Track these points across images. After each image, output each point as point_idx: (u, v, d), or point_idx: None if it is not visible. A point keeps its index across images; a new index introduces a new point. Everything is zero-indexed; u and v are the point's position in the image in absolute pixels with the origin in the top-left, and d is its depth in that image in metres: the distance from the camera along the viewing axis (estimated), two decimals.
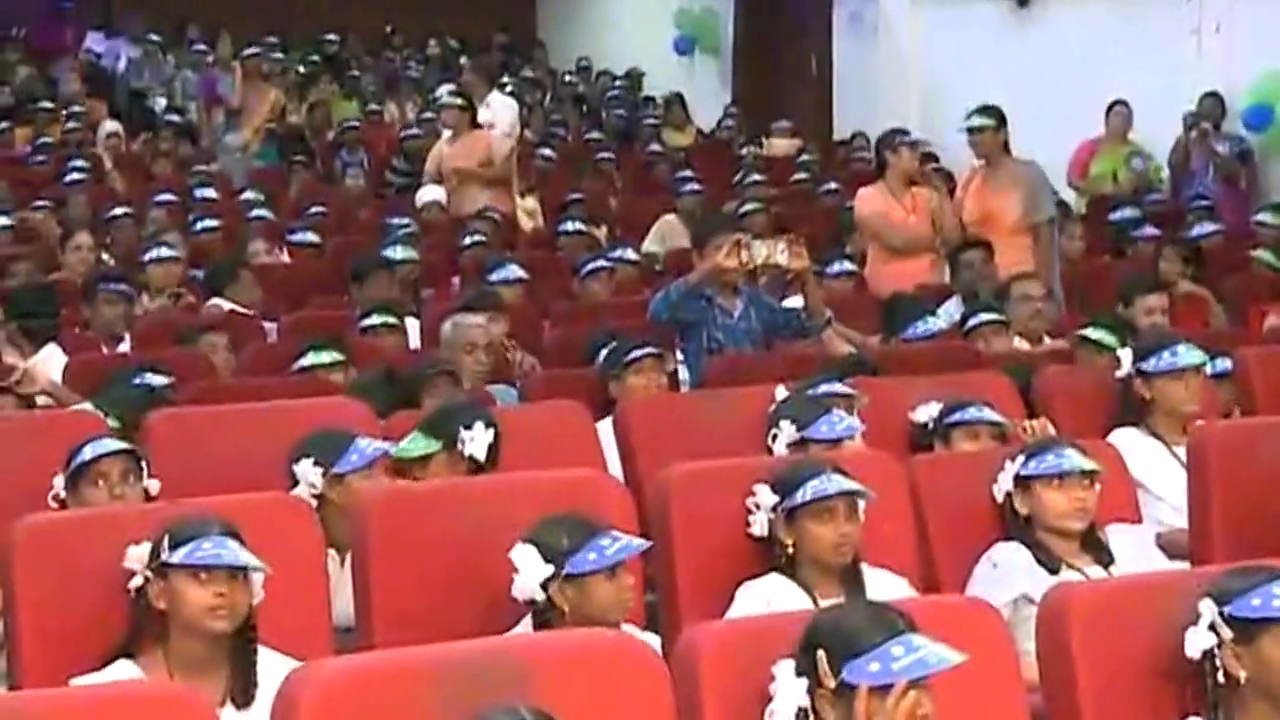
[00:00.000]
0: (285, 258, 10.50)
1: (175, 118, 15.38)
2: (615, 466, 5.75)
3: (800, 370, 6.25)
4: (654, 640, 4.00)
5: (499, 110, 11.89)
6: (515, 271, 8.76)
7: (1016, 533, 4.76)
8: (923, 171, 9.51)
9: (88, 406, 5.75)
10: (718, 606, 4.36)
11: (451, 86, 14.94)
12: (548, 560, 3.97)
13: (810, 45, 16.80)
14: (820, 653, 3.24)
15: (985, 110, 9.06)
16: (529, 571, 3.98)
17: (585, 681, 3.13)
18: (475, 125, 11.57)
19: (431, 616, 4.11)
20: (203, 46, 17.20)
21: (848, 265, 9.23)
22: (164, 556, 3.85)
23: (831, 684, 3.21)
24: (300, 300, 9.15)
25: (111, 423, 5.43)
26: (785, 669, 3.26)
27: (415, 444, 5.15)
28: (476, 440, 5.12)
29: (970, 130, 9.03)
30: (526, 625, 4.00)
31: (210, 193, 12.11)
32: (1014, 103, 9.41)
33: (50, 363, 7.11)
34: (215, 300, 8.66)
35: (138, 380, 6.30)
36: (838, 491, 4.38)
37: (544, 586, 3.97)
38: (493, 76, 13.52)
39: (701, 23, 18.18)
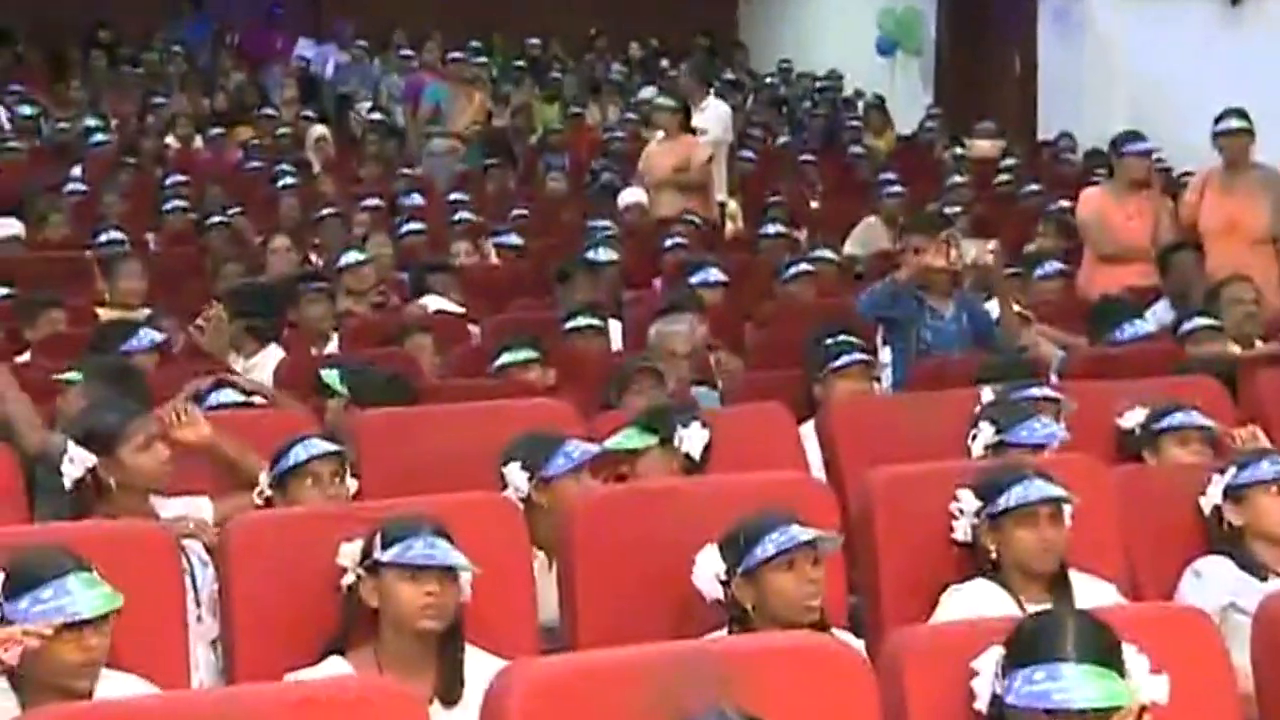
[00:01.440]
0: (494, 258, 10.61)
1: (375, 116, 15.62)
2: (818, 469, 5.74)
3: (1009, 373, 6.18)
4: (857, 643, 3.98)
5: (712, 116, 11.96)
6: (716, 274, 8.77)
7: (1223, 545, 4.68)
8: (1151, 177, 9.33)
9: (333, 375, 5.88)
10: (921, 610, 4.33)
11: (654, 90, 15.03)
12: (725, 557, 3.99)
13: (1015, 44, 16.62)
14: (1004, 654, 3.23)
15: (1238, 113, 8.80)
16: (707, 569, 3.99)
17: (790, 683, 3.13)
18: (686, 129, 11.64)
19: (636, 618, 4.13)
20: (408, 51, 17.44)
21: (1057, 266, 9.11)
22: (376, 555, 3.90)
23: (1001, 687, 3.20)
24: (504, 302, 9.24)
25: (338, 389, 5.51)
26: (986, 661, 3.24)
27: (631, 438, 5.17)
28: (693, 438, 5.14)
29: (1224, 133, 8.78)
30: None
31: (416, 198, 12.27)
32: (1226, 104, 9.22)
33: (269, 363, 7.23)
34: (423, 300, 8.77)
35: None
36: (1041, 498, 4.34)
37: (725, 585, 3.98)
38: (707, 80, 13.58)
39: (904, 23, 18.06)
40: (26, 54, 18.19)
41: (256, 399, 5.90)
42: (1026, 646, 3.19)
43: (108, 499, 4.60)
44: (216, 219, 10.61)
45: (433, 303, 8.75)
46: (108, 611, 3.54)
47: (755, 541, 3.96)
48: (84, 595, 3.53)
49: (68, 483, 4.59)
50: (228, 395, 5.78)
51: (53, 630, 3.53)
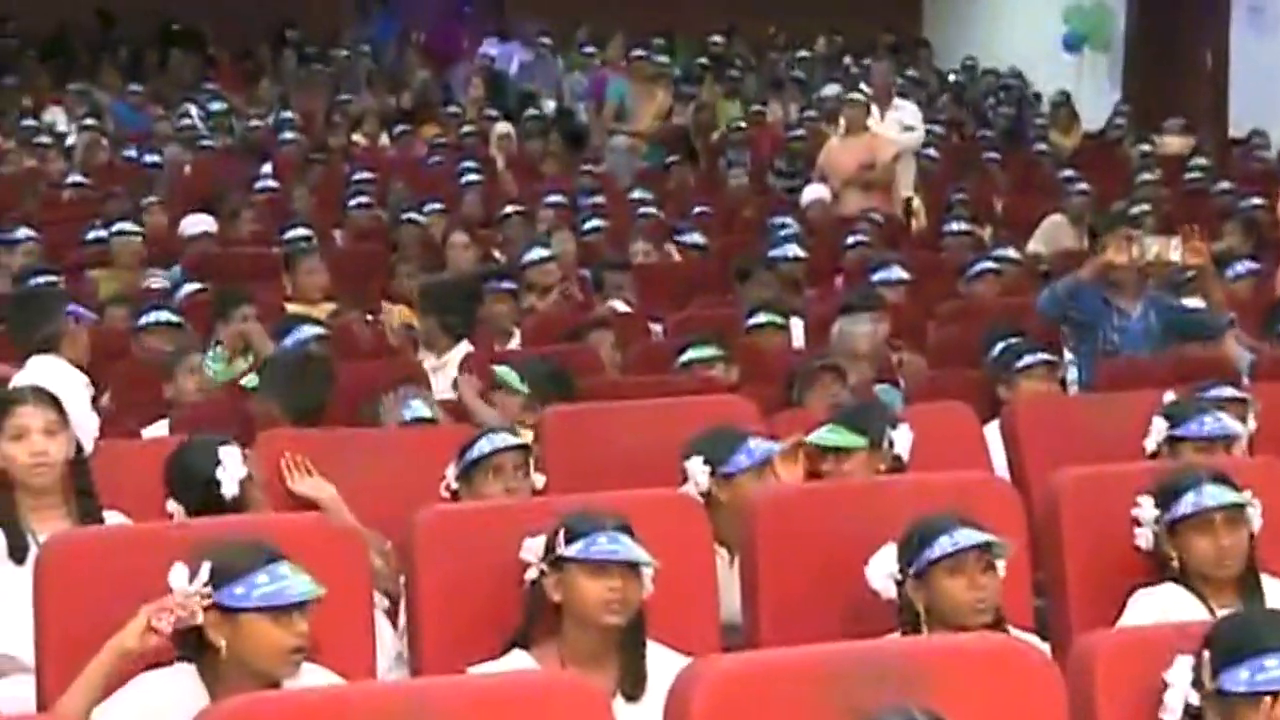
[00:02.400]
0: (676, 256, 10.63)
1: (544, 109, 15.73)
2: (1001, 469, 5.68)
3: (1196, 374, 6.08)
4: (1042, 645, 3.94)
5: (911, 115, 11.92)
6: (898, 272, 8.73)
7: None
8: None
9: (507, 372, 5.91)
10: (1108, 612, 4.28)
11: (837, 87, 14.97)
12: (900, 557, 3.96)
13: (1206, 39, 16.34)
14: (1206, 655, 3.22)
15: None
16: (881, 569, 3.97)
17: (976, 684, 3.11)
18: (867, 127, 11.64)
19: (818, 616, 4.11)
20: (591, 49, 17.53)
21: (1249, 265, 8.94)
22: (559, 550, 3.92)
23: (1210, 688, 3.18)
24: (685, 299, 9.25)
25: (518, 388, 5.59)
26: (1180, 666, 3.21)
27: (840, 436, 5.14)
28: (902, 439, 5.12)
29: None
30: None
31: (595, 194, 12.33)
32: None
33: (459, 359, 7.29)
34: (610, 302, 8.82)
35: None
36: (1215, 504, 4.27)
37: (899, 585, 3.95)
38: (896, 79, 13.58)
39: (1092, 18, 17.83)
40: (218, 54, 18.54)
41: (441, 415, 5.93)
42: (1237, 638, 3.19)
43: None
44: (407, 215, 10.74)
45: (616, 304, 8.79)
46: (316, 597, 3.60)
47: (927, 543, 3.94)
48: (295, 580, 3.59)
49: None
50: (419, 409, 5.81)
51: (207, 601, 3.59)
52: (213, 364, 6.88)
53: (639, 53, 15.66)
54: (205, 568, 3.62)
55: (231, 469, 4.55)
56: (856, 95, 12.27)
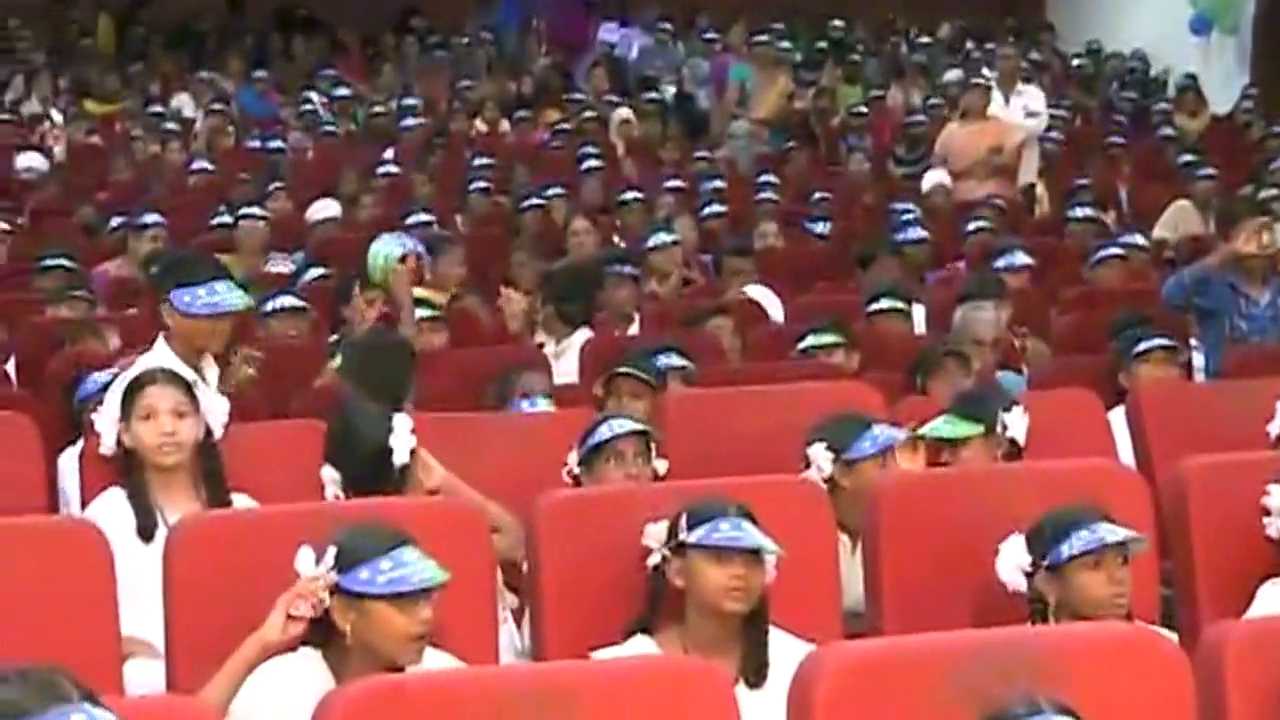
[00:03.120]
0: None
1: (664, 94, 15.72)
2: (1126, 457, 5.63)
3: None
4: (1169, 636, 3.89)
5: (1032, 99, 11.84)
6: (1021, 258, 8.66)
7: None
8: None
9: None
10: (1237, 603, 4.22)
11: (959, 73, 14.87)
12: (1032, 550, 3.92)
13: None
14: None
15: None
16: (1011, 560, 3.93)
17: (1104, 674, 3.07)
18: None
19: (942, 604, 4.08)
20: (713, 34, 17.50)
21: None
22: (682, 536, 3.91)
23: None
24: (805, 284, 9.23)
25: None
26: None
27: (954, 426, 5.11)
28: (1016, 422, 5.08)
29: None
30: None
31: (718, 182, 12.32)
32: None
33: (578, 346, 7.31)
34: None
35: (659, 360, 6.41)
36: None
37: (1028, 577, 3.91)
38: (1019, 63, 13.49)
39: (1221, 1, 17.58)
40: (345, 40, 18.66)
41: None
42: None
43: None
44: (528, 201, 10.76)
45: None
46: (442, 583, 3.61)
47: (1063, 537, 3.90)
48: (421, 566, 3.61)
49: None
50: (542, 404, 5.81)
51: (328, 588, 3.61)
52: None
53: (761, 38, 15.62)
54: (331, 552, 3.65)
55: (403, 437, 4.56)
56: (980, 79, 12.18)
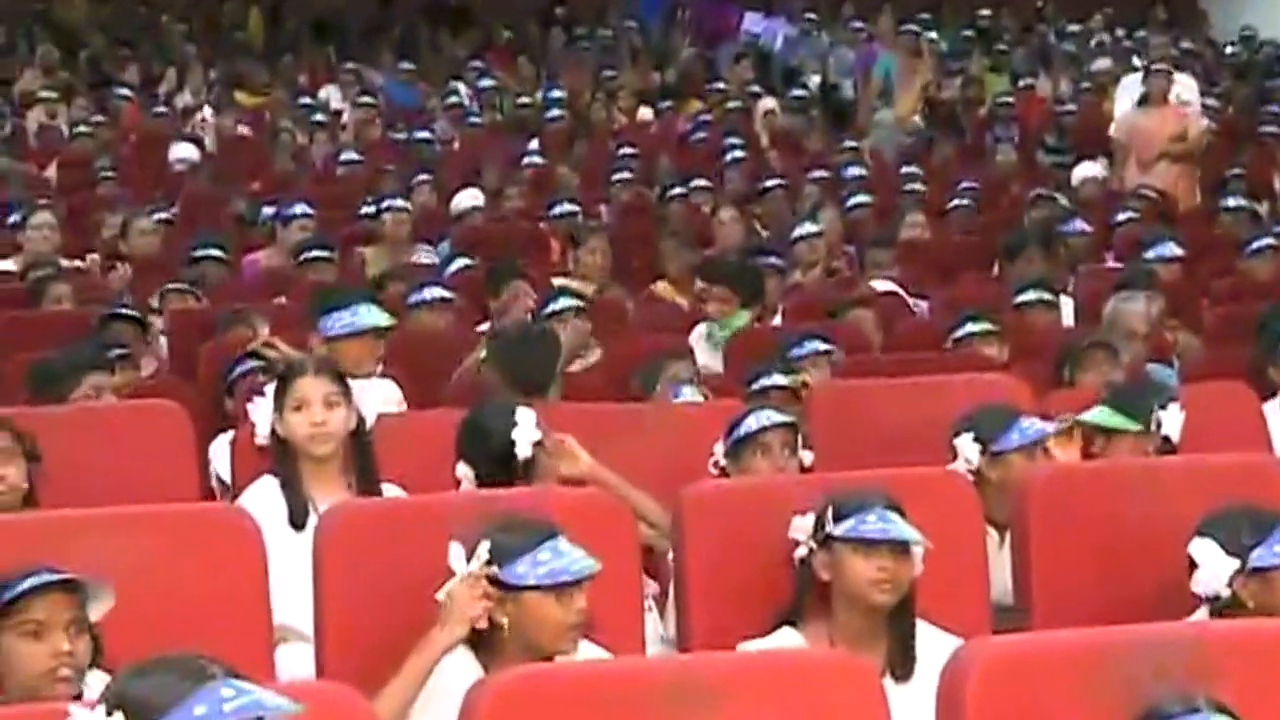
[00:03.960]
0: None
1: (809, 84, 15.66)
2: None
3: None
4: None
5: (1184, 88, 11.71)
6: (1172, 249, 8.55)
7: None
8: None
9: None
10: None
11: (1108, 61, 14.69)
12: (1231, 554, 3.83)
13: None
14: None
15: None
16: (1211, 567, 3.84)
17: (1264, 672, 3.01)
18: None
19: (1093, 599, 4.04)
20: (859, 23, 17.42)
21: None
22: (829, 528, 3.90)
23: None
24: (951, 276, 9.16)
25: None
26: None
27: (1113, 418, 5.03)
28: (1171, 420, 5.01)
29: None
30: (1200, 614, 3.87)
31: (860, 170, 12.26)
32: None
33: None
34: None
35: (803, 350, 6.38)
36: None
37: (1229, 582, 3.83)
38: (1170, 51, 13.33)
39: None
40: (493, 32, 18.77)
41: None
42: None
43: None
44: (673, 191, 10.76)
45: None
46: (595, 572, 3.62)
47: (1269, 539, 3.80)
48: (576, 555, 3.62)
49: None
50: (686, 393, 5.78)
51: (479, 580, 3.62)
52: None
53: (907, 27, 15.52)
54: (484, 546, 3.66)
55: (526, 431, 4.57)
56: (1159, 67, 12.00)
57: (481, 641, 3.68)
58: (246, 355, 5.95)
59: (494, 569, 3.63)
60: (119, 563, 3.55)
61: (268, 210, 10.39)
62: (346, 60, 17.15)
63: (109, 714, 2.51)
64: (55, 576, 3.31)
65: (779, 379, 5.81)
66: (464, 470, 4.60)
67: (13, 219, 9.66)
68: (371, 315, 5.60)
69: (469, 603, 3.63)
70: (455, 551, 3.68)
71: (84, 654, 3.32)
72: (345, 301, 5.61)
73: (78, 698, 3.12)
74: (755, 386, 5.79)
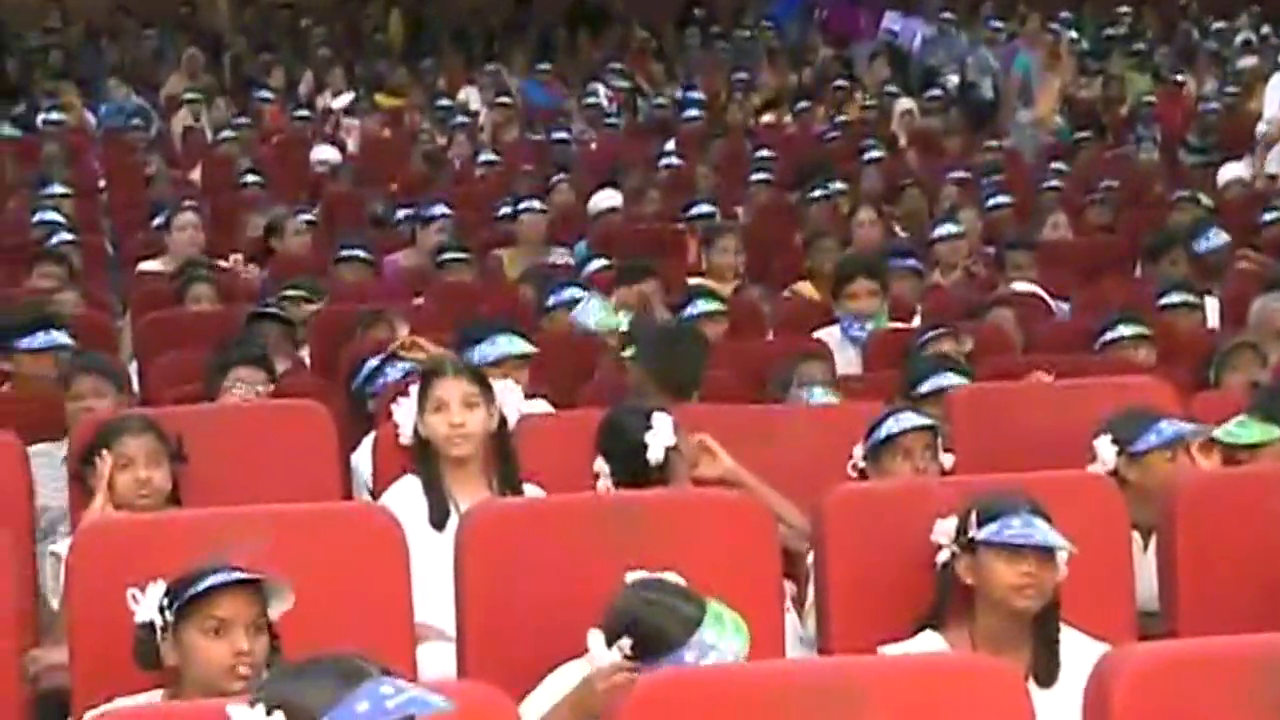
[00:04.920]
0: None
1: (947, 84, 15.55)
2: None
3: None
4: None
5: None
6: None
7: None
8: None
9: None
10: None
11: (1254, 60, 14.47)
12: None
13: None
14: None
15: None
16: None
17: None
18: None
19: (1241, 606, 3.98)
20: (999, 23, 17.28)
21: None
22: (972, 533, 3.86)
23: None
24: (1092, 277, 9.05)
25: None
26: None
27: (1249, 431, 4.96)
28: None
29: None
30: None
31: (1002, 173, 12.15)
32: None
33: None
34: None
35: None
36: None
37: None
38: None
39: None
40: (631, 32, 18.82)
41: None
42: None
43: None
44: (818, 192, 10.73)
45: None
46: None
47: None
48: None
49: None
50: (820, 394, 5.75)
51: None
52: (598, 311, 6.96)
53: (1050, 26, 15.38)
54: (625, 644, 3.49)
55: (661, 435, 4.58)
56: None
57: None
58: (390, 356, 5.98)
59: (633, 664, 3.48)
60: (263, 562, 3.59)
61: (406, 211, 10.47)
62: (485, 62, 17.26)
63: (268, 714, 2.53)
64: (240, 575, 3.34)
65: (951, 377, 5.68)
66: (601, 465, 4.62)
67: (158, 220, 9.82)
68: (512, 345, 5.65)
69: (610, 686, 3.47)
70: (595, 640, 3.54)
71: (262, 653, 3.36)
72: (484, 334, 5.68)
73: None
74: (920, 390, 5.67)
